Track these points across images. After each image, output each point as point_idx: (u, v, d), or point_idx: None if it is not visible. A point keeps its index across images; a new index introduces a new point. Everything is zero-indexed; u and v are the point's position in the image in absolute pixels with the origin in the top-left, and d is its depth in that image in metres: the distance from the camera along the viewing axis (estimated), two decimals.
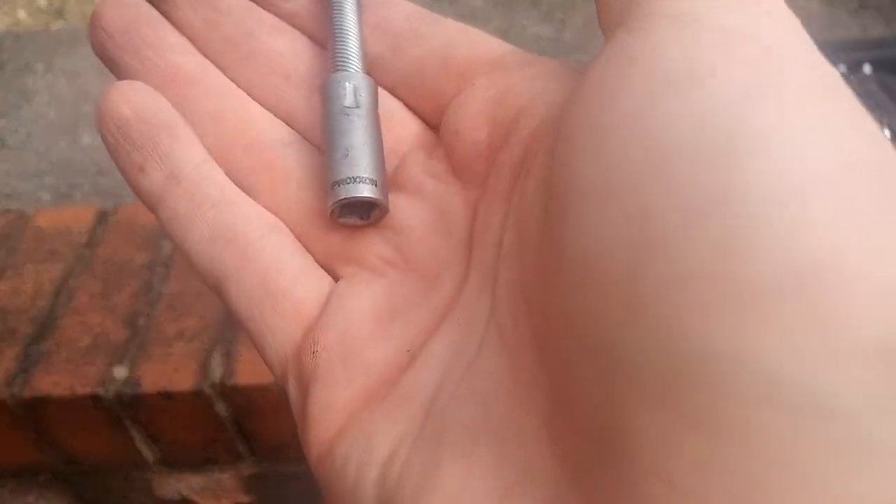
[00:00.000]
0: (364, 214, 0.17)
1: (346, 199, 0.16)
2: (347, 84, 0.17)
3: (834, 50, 0.70)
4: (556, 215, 0.13)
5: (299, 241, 0.18)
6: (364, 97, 0.17)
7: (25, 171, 1.54)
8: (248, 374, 0.50)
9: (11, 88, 1.82)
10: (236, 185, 0.18)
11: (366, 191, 0.16)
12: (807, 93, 0.11)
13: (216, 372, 0.50)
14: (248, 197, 0.18)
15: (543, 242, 0.14)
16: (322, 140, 0.18)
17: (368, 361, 0.16)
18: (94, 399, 0.51)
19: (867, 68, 0.68)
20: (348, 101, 0.17)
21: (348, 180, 0.16)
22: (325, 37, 0.19)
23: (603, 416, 0.11)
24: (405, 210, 0.17)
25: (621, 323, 0.11)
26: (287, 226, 0.18)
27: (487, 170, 0.16)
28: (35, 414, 0.53)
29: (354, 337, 0.16)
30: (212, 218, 0.17)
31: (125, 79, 0.19)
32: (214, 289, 0.18)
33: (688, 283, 0.10)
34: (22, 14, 2.11)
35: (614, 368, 0.11)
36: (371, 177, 0.16)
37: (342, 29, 0.18)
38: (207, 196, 0.18)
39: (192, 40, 0.19)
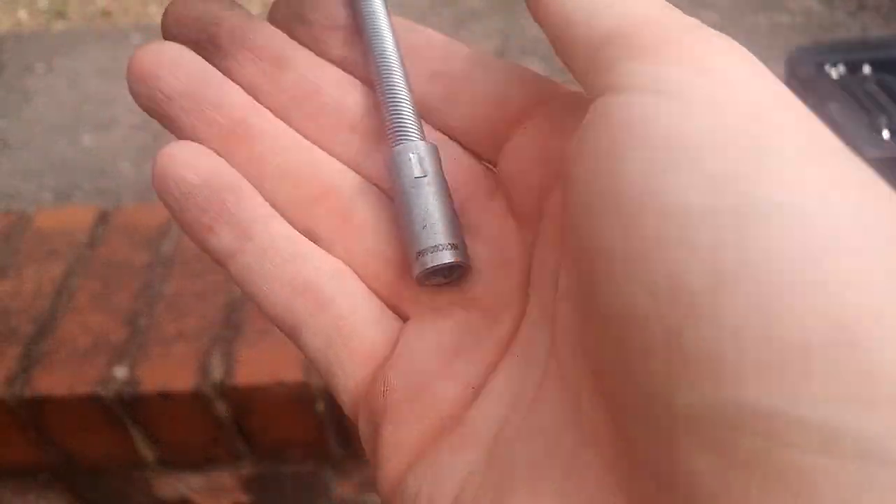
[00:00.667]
0: (447, 274, 0.18)
1: (431, 267, 0.17)
2: (412, 155, 0.18)
3: (833, 50, 0.70)
4: (585, 275, 0.14)
5: (368, 284, 0.18)
6: (429, 164, 0.18)
7: (26, 171, 1.54)
8: (248, 374, 0.50)
9: (12, 89, 1.82)
10: (308, 234, 0.19)
11: (449, 257, 0.17)
12: (804, 156, 0.12)
13: (216, 372, 0.50)
14: (317, 247, 0.19)
15: (582, 297, 0.14)
16: (397, 210, 0.19)
17: (436, 399, 0.16)
18: (94, 399, 0.51)
19: (867, 69, 0.68)
20: (416, 171, 0.18)
21: (431, 249, 0.17)
22: (373, 77, 0.20)
23: (663, 460, 0.12)
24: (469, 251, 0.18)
25: (669, 380, 0.11)
26: (357, 270, 0.18)
27: (541, 211, 0.17)
28: (35, 413, 0.53)
29: (422, 376, 0.17)
30: (283, 270, 0.18)
31: (185, 136, 0.19)
32: (288, 334, 0.18)
33: (728, 343, 0.11)
34: (23, 14, 2.11)
35: (669, 418, 0.11)
36: (451, 241, 0.18)
37: (393, 94, 0.19)
38: (278, 250, 0.18)
39: (256, 96, 0.20)
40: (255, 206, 0.19)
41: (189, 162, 0.18)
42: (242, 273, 0.18)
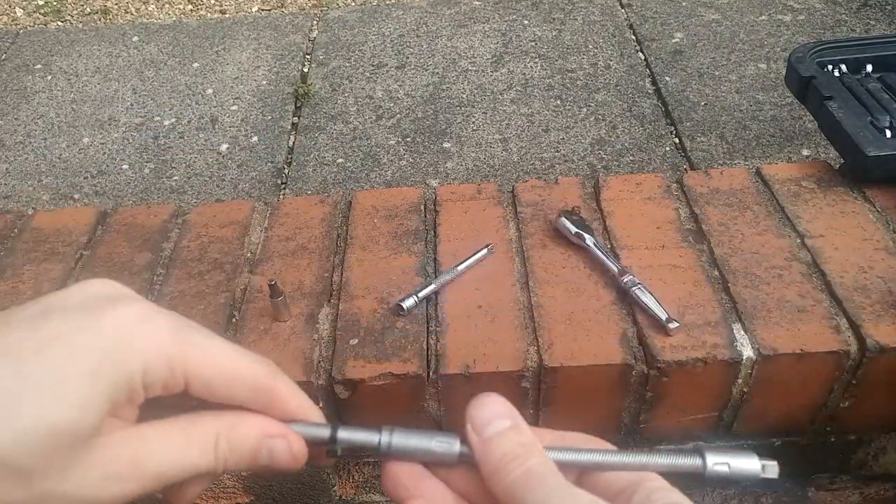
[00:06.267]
0: None
1: None
2: None
3: (835, 49, 0.70)
4: None
5: None
6: None
7: (24, 171, 1.54)
8: None
9: (10, 88, 1.82)
10: None
11: None
12: None
13: None
14: None
15: None
16: None
17: None
18: None
19: (868, 67, 0.68)
20: None
21: None
22: None
23: None
24: None
25: None
26: None
27: None
28: None
29: None
30: None
31: None
32: None
33: None
34: (19, 12, 2.11)
35: None
36: None
37: None
38: None
39: None
40: None
41: None
42: None
